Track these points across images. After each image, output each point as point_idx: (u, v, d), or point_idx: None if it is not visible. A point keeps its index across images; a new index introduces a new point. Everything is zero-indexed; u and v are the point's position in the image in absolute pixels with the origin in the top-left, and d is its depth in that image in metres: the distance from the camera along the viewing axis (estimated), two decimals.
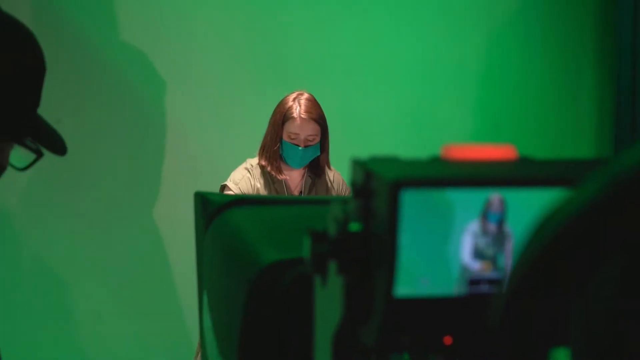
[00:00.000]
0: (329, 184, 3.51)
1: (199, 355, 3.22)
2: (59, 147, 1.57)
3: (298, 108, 3.42)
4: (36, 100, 1.51)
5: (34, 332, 3.87)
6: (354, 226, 0.92)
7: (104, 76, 3.90)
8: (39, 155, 1.52)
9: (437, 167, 0.92)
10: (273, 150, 3.42)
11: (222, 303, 1.35)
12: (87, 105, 3.89)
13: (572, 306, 0.64)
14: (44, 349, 3.89)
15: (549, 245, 0.60)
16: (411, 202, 0.87)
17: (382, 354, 1.02)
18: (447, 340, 0.94)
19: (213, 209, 1.44)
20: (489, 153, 0.94)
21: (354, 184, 0.93)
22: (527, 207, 0.90)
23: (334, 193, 3.55)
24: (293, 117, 3.40)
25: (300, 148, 3.39)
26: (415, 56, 4.27)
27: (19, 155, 1.52)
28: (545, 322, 0.62)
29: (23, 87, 1.48)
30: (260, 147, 3.50)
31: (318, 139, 3.43)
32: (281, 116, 3.43)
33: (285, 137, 3.41)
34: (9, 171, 1.61)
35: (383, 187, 0.87)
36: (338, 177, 3.56)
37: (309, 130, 3.40)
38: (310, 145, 3.41)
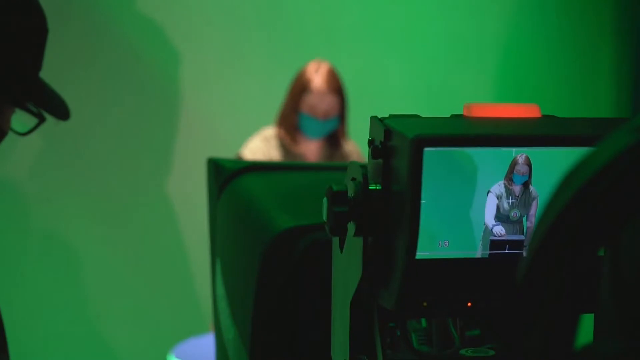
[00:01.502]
0: (346, 156, 3.46)
1: (213, 324, 3.20)
2: (61, 111, 1.52)
3: (318, 80, 3.35)
4: (38, 63, 1.47)
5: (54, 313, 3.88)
6: (374, 186, 0.90)
7: (112, 44, 3.87)
8: (41, 119, 1.48)
9: (460, 125, 0.89)
10: (291, 121, 3.37)
11: (235, 270, 1.33)
12: (94, 75, 3.87)
13: (601, 271, 0.62)
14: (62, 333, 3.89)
15: (575, 198, 0.57)
16: (433, 160, 0.84)
17: (401, 319, 1.00)
18: (468, 303, 0.92)
19: (226, 176, 1.41)
20: (512, 111, 0.91)
21: (372, 143, 0.90)
22: (553, 166, 0.87)
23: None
24: (312, 89, 3.33)
25: (319, 120, 3.34)
26: (435, 27, 4.23)
27: (20, 119, 1.48)
28: (574, 287, 0.59)
29: (24, 49, 1.44)
30: (278, 117, 3.44)
31: (338, 111, 3.37)
32: (300, 87, 3.36)
33: (304, 109, 3.34)
34: (17, 140, 1.59)
35: (404, 145, 0.84)
36: (354, 148, 3.51)
37: (329, 103, 3.33)
38: (329, 118, 3.36)
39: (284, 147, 3.39)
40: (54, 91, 1.51)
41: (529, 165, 0.87)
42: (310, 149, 3.42)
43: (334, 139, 3.42)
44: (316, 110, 3.34)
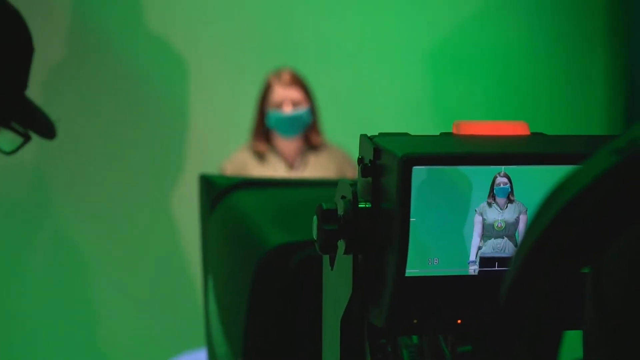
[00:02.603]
0: (327, 161, 3.48)
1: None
2: (48, 130, 1.51)
3: (279, 77, 3.45)
4: (24, 82, 1.46)
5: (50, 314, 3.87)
6: (363, 204, 0.90)
7: (112, 51, 3.87)
8: (27, 139, 1.47)
9: (449, 144, 0.90)
10: (261, 127, 3.45)
11: (228, 287, 1.34)
12: (95, 81, 3.86)
13: (585, 287, 0.62)
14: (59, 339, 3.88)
15: (559, 216, 0.58)
16: (422, 178, 0.85)
17: (391, 336, 1.00)
18: (458, 320, 0.92)
19: (217, 192, 1.42)
20: (501, 129, 0.92)
21: (362, 161, 0.91)
22: (542, 183, 0.88)
23: (332, 171, 3.52)
24: (274, 86, 3.43)
25: (287, 115, 3.38)
26: (423, 37, 4.23)
27: (6, 138, 1.47)
28: (558, 304, 0.60)
29: (9, 68, 1.44)
30: (251, 131, 3.52)
31: (306, 104, 3.43)
32: (264, 91, 3.47)
33: (270, 108, 3.42)
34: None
35: (393, 163, 0.85)
36: (340, 155, 3.53)
37: (293, 94, 3.41)
38: (298, 111, 3.41)
39: (259, 155, 3.42)
40: (40, 110, 1.50)
41: (509, 178, 0.88)
42: (288, 149, 3.43)
43: (309, 136, 3.46)
44: (281, 104, 3.40)
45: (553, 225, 0.58)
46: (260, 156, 3.44)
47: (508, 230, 0.89)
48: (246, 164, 3.45)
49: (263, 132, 3.44)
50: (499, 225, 0.89)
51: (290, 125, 3.38)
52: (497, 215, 0.88)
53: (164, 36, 3.95)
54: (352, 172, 3.46)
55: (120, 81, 3.90)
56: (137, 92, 3.92)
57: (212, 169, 3.55)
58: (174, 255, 3.96)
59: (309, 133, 3.45)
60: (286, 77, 3.44)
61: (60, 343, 3.86)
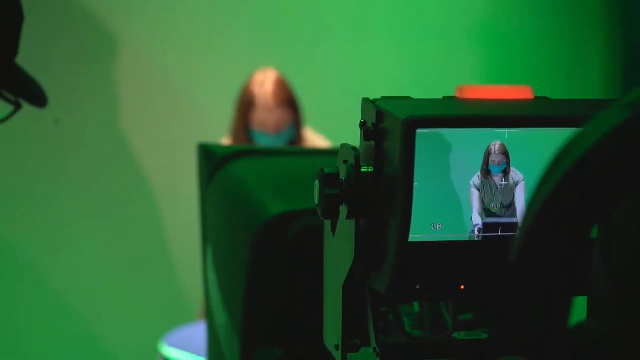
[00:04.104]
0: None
1: (202, 312, 3.20)
2: (39, 98, 1.49)
3: (263, 94, 3.14)
4: (13, 49, 1.44)
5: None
6: (365, 168, 0.89)
7: (97, 35, 3.85)
8: (17, 106, 1.45)
9: (453, 107, 0.89)
10: (242, 137, 3.17)
11: (227, 256, 1.33)
12: (78, 65, 3.84)
13: (593, 252, 0.61)
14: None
15: (566, 177, 0.57)
16: (426, 142, 0.84)
17: (394, 301, 0.99)
18: (461, 286, 0.92)
19: (216, 161, 1.41)
20: (505, 93, 0.91)
21: (364, 124, 0.90)
22: (544, 149, 0.87)
23: None
24: (258, 105, 3.14)
25: (272, 135, 3.15)
26: (423, 14, 4.21)
27: None
28: (568, 269, 0.59)
29: None
30: (230, 131, 3.27)
31: (290, 122, 3.18)
32: (246, 103, 3.17)
33: (254, 126, 3.16)
34: None
35: (396, 126, 0.84)
36: (318, 142, 3.35)
37: (279, 117, 3.14)
38: (282, 131, 3.17)
39: None
40: (32, 78, 1.48)
41: (505, 153, 0.86)
42: None
43: (294, 143, 3.24)
44: (266, 126, 3.15)
45: (562, 183, 0.57)
46: None
47: (501, 205, 0.88)
48: None
49: (246, 142, 3.18)
50: (494, 206, 0.88)
51: (276, 141, 3.17)
52: (491, 196, 0.88)
53: (148, 16, 3.92)
54: None
55: (102, 66, 3.86)
56: (121, 75, 3.89)
57: (201, 133, 3.53)
58: (158, 240, 3.96)
59: (294, 141, 3.25)
60: (270, 99, 3.15)
61: (42, 331, 3.86)
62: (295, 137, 3.23)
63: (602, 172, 0.56)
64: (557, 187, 0.57)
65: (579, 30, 4.49)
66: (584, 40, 4.50)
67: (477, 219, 0.88)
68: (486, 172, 0.87)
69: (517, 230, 0.89)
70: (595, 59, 4.51)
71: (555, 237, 0.58)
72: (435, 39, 4.26)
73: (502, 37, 4.36)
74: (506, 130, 0.86)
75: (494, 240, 0.89)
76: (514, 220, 0.89)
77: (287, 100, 3.17)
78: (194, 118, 3.96)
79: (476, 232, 0.88)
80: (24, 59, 1.46)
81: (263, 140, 3.17)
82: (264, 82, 3.17)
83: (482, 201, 0.88)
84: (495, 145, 0.86)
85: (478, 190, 0.87)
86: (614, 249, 0.60)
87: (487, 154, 0.86)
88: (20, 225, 3.84)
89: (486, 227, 0.89)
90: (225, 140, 3.32)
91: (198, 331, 2.83)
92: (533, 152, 0.87)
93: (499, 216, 0.89)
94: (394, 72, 4.16)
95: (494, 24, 4.34)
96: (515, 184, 0.88)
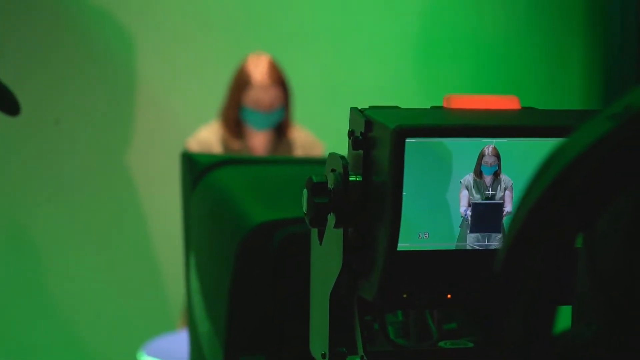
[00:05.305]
0: (291, 144, 3.47)
1: (183, 321, 3.19)
2: (10, 106, 1.46)
3: (259, 73, 3.36)
4: None
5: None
6: (354, 177, 0.89)
7: (67, 34, 3.83)
8: None
9: (441, 117, 0.89)
10: (233, 116, 3.38)
11: (210, 264, 1.33)
12: (53, 66, 3.81)
13: (579, 260, 0.62)
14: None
15: (552, 186, 0.57)
16: (414, 151, 0.84)
17: (381, 310, 1.00)
18: (448, 295, 0.92)
19: (200, 169, 1.40)
20: (492, 103, 0.91)
21: (352, 134, 0.90)
22: (531, 158, 0.88)
23: (299, 153, 3.51)
24: (254, 83, 3.35)
25: (263, 113, 3.34)
26: (407, 22, 4.22)
27: None
28: (553, 278, 0.59)
29: None
30: (221, 113, 3.45)
31: (282, 102, 3.38)
32: (242, 82, 3.37)
33: (247, 104, 3.35)
34: None
35: (385, 135, 0.84)
36: (299, 134, 3.51)
37: (272, 95, 3.34)
38: (274, 110, 3.37)
39: (224, 142, 3.40)
40: (4, 85, 1.45)
41: (497, 155, 0.87)
42: (257, 141, 3.42)
43: (280, 130, 3.44)
44: (259, 104, 3.35)
45: (548, 192, 0.57)
46: (225, 146, 3.40)
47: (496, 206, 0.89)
48: (212, 145, 3.41)
49: (235, 124, 3.40)
50: (488, 204, 0.89)
51: (266, 122, 3.37)
52: (482, 191, 0.88)
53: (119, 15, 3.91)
54: (318, 153, 3.46)
55: (77, 67, 3.84)
56: (97, 78, 3.88)
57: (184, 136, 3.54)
58: (140, 247, 3.94)
59: (283, 126, 3.43)
60: (266, 78, 3.36)
61: (23, 338, 3.83)
62: (284, 119, 3.42)
63: (588, 182, 0.57)
64: (543, 197, 0.57)
65: (560, 39, 4.53)
66: (565, 49, 4.54)
67: (465, 223, 0.88)
68: (479, 173, 0.88)
69: (503, 239, 0.90)
70: (576, 67, 4.55)
71: (540, 247, 0.58)
72: (419, 48, 4.28)
73: (487, 48, 4.39)
74: (494, 140, 0.86)
75: (480, 249, 0.90)
76: (501, 228, 0.90)
77: (281, 80, 3.40)
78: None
79: (463, 240, 0.89)
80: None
81: (254, 119, 3.35)
82: (259, 63, 3.40)
83: (472, 200, 0.88)
84: (489, 148, 0.87)
85: (467, 190, 0.88)
86: (598, 255, 0.61)
87: (481, 155, 0.87)
88: (20, 225, 3.82)
89: (473, 235, 0.89)
90: (214, 123, 3.46)
91: (178, 340, 2.83)
92: (521, 161, 0.88)
93: (490, 213, 0.89)
94: (379, 82, 4.17)
95: (480, 35, 4.36)
96: (505, 188, 0.89)
